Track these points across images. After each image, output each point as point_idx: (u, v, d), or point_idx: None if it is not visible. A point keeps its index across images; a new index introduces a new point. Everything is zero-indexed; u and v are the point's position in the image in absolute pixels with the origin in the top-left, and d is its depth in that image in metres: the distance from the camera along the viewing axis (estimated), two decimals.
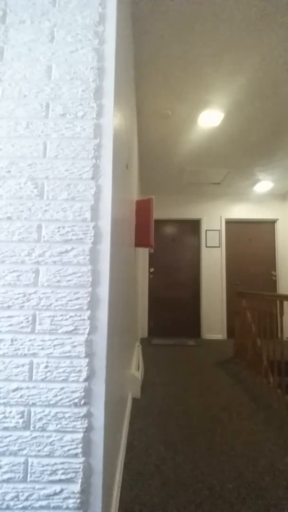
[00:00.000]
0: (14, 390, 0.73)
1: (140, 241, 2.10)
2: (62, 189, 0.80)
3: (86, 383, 0.74)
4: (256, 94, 2.16)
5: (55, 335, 0.75)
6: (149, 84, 2.07)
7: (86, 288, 0.77)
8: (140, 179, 3.76)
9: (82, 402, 0.73)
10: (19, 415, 0.73)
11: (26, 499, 0.71)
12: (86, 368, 0.74)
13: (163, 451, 1.40)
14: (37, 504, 0.71)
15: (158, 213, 4.43)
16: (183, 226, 4.61)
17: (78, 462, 0.71)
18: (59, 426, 0.72)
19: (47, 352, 0.75)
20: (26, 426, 0.72)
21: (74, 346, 0.75)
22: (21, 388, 0.73)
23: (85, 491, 0.72)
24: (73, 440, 0.72)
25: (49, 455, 0.72)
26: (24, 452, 0.72)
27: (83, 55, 0.85)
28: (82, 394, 0.73)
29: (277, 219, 4.51)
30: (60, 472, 0.71)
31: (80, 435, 0.72)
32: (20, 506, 0.70)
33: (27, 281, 0.77)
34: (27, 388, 0.73)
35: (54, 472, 0.71)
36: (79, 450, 0.72)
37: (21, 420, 0.72)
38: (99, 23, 0.87)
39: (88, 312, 0.76)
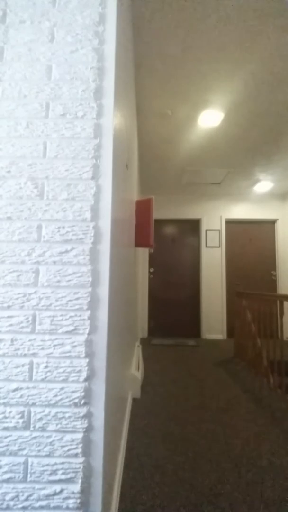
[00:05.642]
0: (14, 390, 0.73)
1: (140, 241, 2.10)
2: (62, 189, 0.80)
3: (86, 383, 0.74)
4: (256, 94, 2.15)
5: (55, 335, 0.75)
6: (149, 84, 2.07)
7: (86, 288, 0.77)
8: (140, 179, 3.76)
9: (82, 402, 0.73)
10: (19, 415, 0.73)
11: (26, 499, 0.71)
12: (86, 368, 0.74)
13: (163, 451, 1.40)
14: (37, 504, 0.71)
15: (158, 213, 4.43)
16: (183, 226, 4.61)
17: (78, 462, 0.71)
18: (59, 426, 0.72)
19: (47, 352, 0.75)
20: (26, 426, 0.72)
21: (74, 346, 0.75)
22: (21, 388, 0.73)
23: (85, 491, 0.72)
24: (73, 440, 0.72)
25: (49, 455, 0.72)
26: (24, 452, 0.72)
27: (83, 55, 0.85)
28: (82, 394, 0.73)
29: (277, 219, 4.51)
30: (60, 472, 0.71)
31: (80, 435, 0.72)
32: (20, 506, 0.70)
33: (27, 281, 0.77)
34: (27, 388, 0.73)
35: (54, 472, 0.71)
36: (79, 450, 0.72)
37: (21, 420, 0.72)
38: (99, 23, 0.87)
39: (88, 312, 0.76)
